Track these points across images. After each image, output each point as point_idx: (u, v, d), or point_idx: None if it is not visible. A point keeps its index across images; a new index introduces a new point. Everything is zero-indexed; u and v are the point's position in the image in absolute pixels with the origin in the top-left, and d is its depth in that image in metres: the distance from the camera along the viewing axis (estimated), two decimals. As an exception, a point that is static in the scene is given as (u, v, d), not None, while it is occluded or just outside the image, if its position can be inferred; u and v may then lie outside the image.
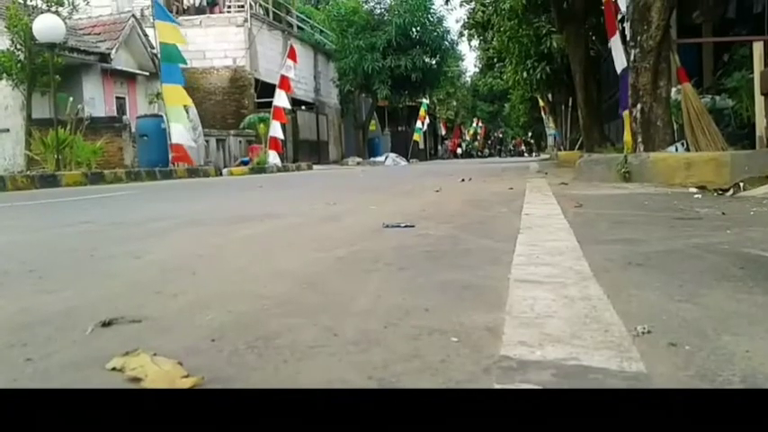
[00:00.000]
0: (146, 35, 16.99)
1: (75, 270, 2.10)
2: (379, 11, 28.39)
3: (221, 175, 14.18)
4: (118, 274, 1.97)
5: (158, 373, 1.03)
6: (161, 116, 13.80)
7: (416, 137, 34.25)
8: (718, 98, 7.29)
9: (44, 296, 1.67)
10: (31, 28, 11.59)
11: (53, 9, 12.99)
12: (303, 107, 25.92)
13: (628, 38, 6.94)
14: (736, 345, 1.08)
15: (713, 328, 1.18)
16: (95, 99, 15.65)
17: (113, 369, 1.05)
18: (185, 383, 0.98)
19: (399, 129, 38.73)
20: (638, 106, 6.55)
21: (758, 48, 6.06)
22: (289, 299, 1.54)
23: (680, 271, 1.71)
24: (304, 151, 24.39)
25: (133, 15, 17.14)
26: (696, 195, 4.31)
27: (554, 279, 1.61)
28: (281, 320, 1.32)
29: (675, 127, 6.77)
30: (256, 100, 21.40)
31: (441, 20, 28.15)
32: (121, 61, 16.53)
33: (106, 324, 1.33)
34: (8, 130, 14.41)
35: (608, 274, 1.67)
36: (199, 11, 22.20)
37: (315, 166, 20.22)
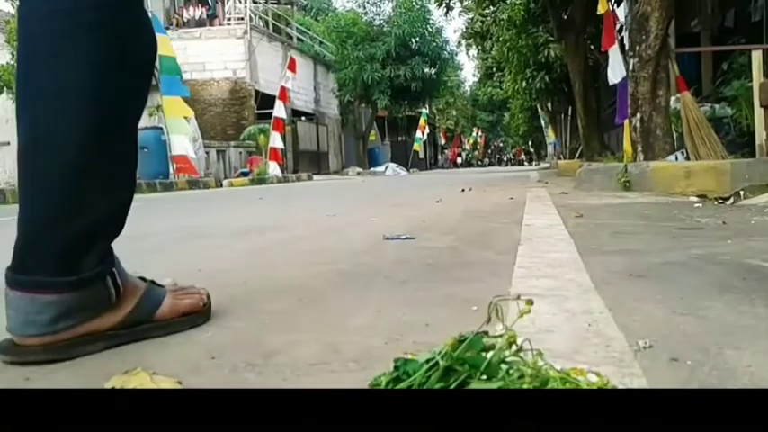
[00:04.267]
0: (146, 47, 17.05)
1: (75, 285, 2.09)
2: (378, 22, 28.59)
3: (221, 186, 14.18)
4: (118, 290, 1.96)
5: (157, 391, 1.02)
6: (161, 128, 13.82)
7: (416, 147, 34.32)
8: (717, 107, 7.31)
9: (43, 313, 1.66)
10: (31, 42, 11.62)
11: (54, 23, 13.05)
12: (303, 118, 26.00)
13: (627, 47, 6.97)
14: (739, 359, 1.07)
15: (715, 342, 1.17)
16: (96, 111, 15.68)
17: (112, 388, 1.05)
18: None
19: (399, 139, 38.89)
20: (638, 115, 6.57)
21: (757, 56, 6.08)
22: (289, 314, 1.53)
23: (681, 283, 1.71)
24: (304, 162, 24.45)
25: (133, 28, 17.20)
26: (696, 204, 4.31)
27: (555, 292, 1.60)
28: (281, 337, 1.32)
29: (675, 136, 6.79)
30: (256, 111, 21.47)
31: (439, 30, 28.36)
32: (122, 74, 16.57)
33: (105, 341, 1.32)
34: (8, 144, 14.43)
35: (609, 287, 1.67)
36: (199, 23, 22.32)
37: (315, 177, 20.25)
